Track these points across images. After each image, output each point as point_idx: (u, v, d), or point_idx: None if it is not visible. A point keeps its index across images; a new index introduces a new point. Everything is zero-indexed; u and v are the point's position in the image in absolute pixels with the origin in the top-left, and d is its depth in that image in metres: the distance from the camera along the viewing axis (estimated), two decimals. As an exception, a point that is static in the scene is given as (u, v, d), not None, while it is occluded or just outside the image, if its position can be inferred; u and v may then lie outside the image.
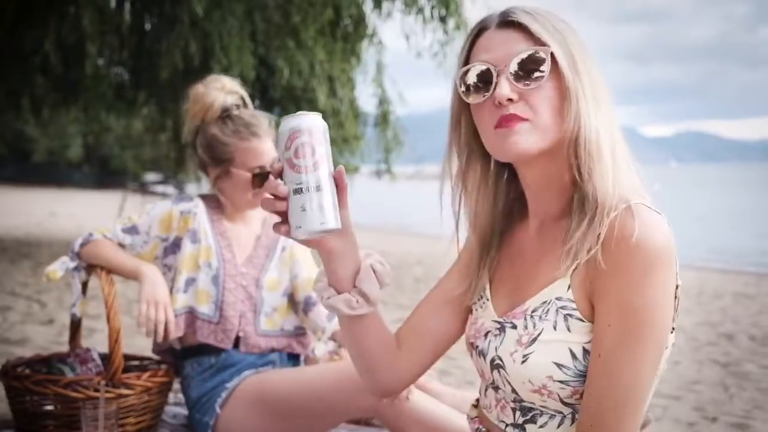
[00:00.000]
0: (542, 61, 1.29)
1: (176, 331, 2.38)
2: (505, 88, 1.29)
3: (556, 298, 1.31)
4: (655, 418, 3.80)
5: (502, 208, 1.50)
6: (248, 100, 2.58)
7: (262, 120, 2.51)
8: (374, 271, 1.43)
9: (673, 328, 1.32)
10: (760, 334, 6.41)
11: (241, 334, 2.43)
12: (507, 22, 1.33)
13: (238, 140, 2.46)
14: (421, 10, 9.28)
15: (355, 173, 13.35)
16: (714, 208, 32.16)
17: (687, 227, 21.36)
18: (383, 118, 10.87)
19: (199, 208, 2.53)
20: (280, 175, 1.30)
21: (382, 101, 10.75)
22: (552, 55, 1.29)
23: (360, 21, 9.68)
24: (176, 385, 2.69)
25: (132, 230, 2.44)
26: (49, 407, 2.16)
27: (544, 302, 1.33)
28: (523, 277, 1.43)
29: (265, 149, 2.48)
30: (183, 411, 2.65)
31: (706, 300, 8.53)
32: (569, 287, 1.31)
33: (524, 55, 1.30)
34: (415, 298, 7.67)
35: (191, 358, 2.45)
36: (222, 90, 2.51)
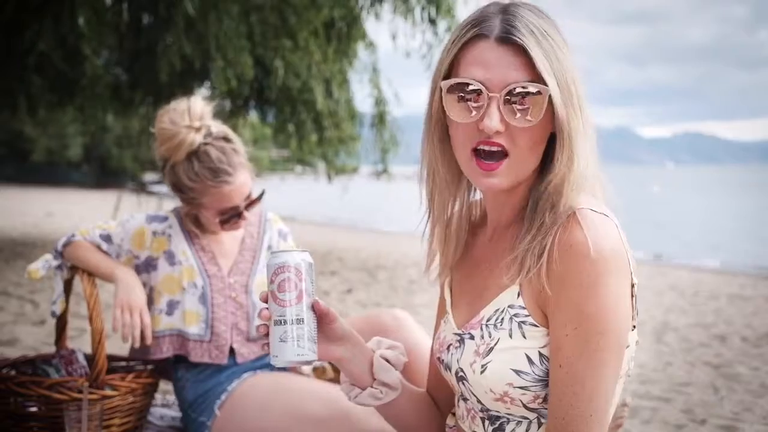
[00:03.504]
0: (538, 101, 1.25)
1: (158, 353, 2.37)
2: (495, 119, 1.25)
3: (509, 306, 1.32)
4: (644, 420, 3.81)
5: (462, 205, 1.50)
6: (217, 128, 2.43)
7: (230, 157, 2.38)
8: (387, 360, 1.48)
9: (634, 326, 1.33)
10: (752, 336, 6.41)
11: (234, 346, 2.42)
12: (509, 39, 1.25)
13: (204, 186, 2.36)
14: (411, 11, 9.28)
15: (353, 174, 13.36)
16: (711, 209, 32.16)
17: (684, 229, 21.37)
18: (379, 119, 10.86)
19: (174, 228, 2.48)
20: (266, 300, 1.34)
21: (378, 102, 10.75)
22: (549, 96, 1.25)
23: (353, 22, 9.68)
24: (163, 386, 2.69)
25: (107, 239, 2.43)
26: (33, 408, 2.16)
27: (497, 310, 1.34)
28: (479, 286, 1.44)
29: (235, 190, 2.38)
30: (170, 412, 2.65)
31: (701, 301, 8.52)
32: (519, 294, 1.31)
33: (521, 91, 1.25)
34: (409, 299, 7.68)
35: (186, 360, 2.43)
36: (190, 127, 2.35)
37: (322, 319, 1.36)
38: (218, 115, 2.52)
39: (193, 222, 2.50)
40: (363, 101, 11.49)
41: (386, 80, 10.82)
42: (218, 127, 2.43)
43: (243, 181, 2.40)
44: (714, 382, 4.76)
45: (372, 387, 1.47)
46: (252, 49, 8.46)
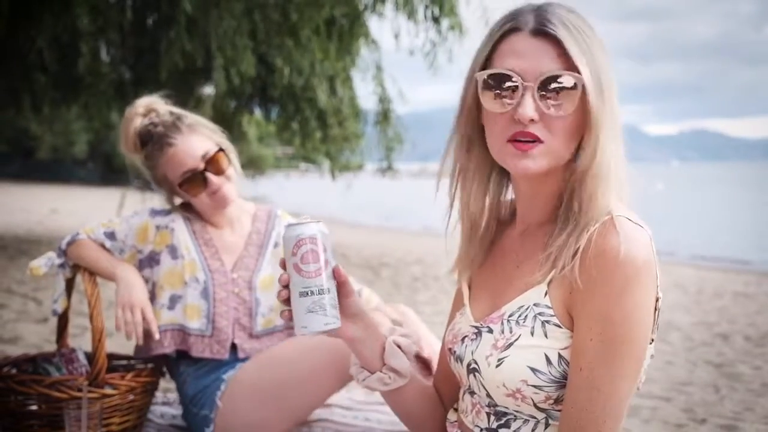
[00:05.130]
0: (573, 90, 1.27)
1: (159, 347, 2.38)
2: (529, 107, 1.27)
3: (534, 304, 1.32)
4: (643, 419, 3.82)
5: (492, 205, 1.50)
6: (164, 108, 2.47)
7: (172, 126, 2.41)
8: (399, 346, 1.47)
9: (652, 340, 1.33)
10: (755, 335, 6.40)
11: (236, 342, 2.42)
12: (543, 31, 1.28)
13: (158, 159, 2.41)
14: (414, 10, 9.29)
15: (359, 171, 13.37)
16: (717, 206, 32.09)
17: (689, 226, 21.32)
18: (384, 116, 10.86)
19: (177, 222, 2.49)
20: (284, 267, 1.36)
21: (382, 99, 10.74)
22: (583, 85, 1.26)
23: (356, 19, 9.68)
24: (164, 385, 2.70)
25: (111, 236, 2.44)
26: (34, 407, 2.17)
27: (521, 307, 1.34)
28: (503, 281, 1.44)
29: (182, 151, 2.39)
30: (171, 410, 2.66)
31: (705, 299, 8.51)
32: (546, 294, 1.32)
33: (555, 79, 1.27)
34: (412, 297, 7.69)
35: (187, 356, 2.44)
36: (135, 114, 2.44)
37: (340, 289, 1.38)
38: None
39: (193, 214, 2.52)
40: (367, 99, 11.51)
41: (390, 78, 10.83)
42: (165, 109, 2.48)
43: (192, 144, 2.40)
44: (715, 381, 4.75)
45: (381, 372, 1.47)
46: (255, 47, 8.47)
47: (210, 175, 2.40)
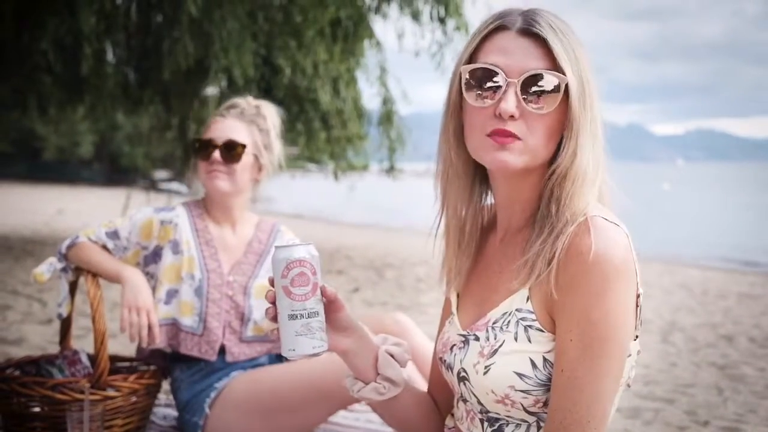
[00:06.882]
0: (555, 90, 1.28)
1: (161, 342, 2.39)
2: (511, 103, 1.28)
3: (516, 310, 1.33)
4: (646, 421, 3.81)
5: (475, 210, 1.50)
6: (267, 109, 2.61)
7: (235, 103, 2.56)
8: (392, 355, 1.47)
9: (637, 336, 1.35)
10: (760, 336, 6.38)
11: (226, 344, 2.44)
12: (530, 31, 1.31)
13: (207, 121, 2.55)
14: (419, 12, 9.28)
15: (364, 171, 13.37)
16: (722, 206, 32.00)
17: (694, 226, 21.28)
18: (386, 117, 10.86)
19: (181, 218, 2.52)
20: (272, 284, 1.35)
21: (386, 100, 10.74)
22: (566, 86, 1.28)
23: (360, 21, 9.68)
24: (166, 386, 2.72)
25: (114, 235, 2.46)
26: (36, 409, 2.19)
27: (505, 313, 1.35)
28: (487, 288, 1.45)
29: (217, 124, 2.50)
30: (173, 412, 2.68)
31: (710, 300, 8.48)
32: (528, 299, 1.32)
33: (539, 77, 1.28)
34: (416, 298, 7.68)
35: (181, 361, 2.46)
36: (242, 96, 2.61)
37: (330, 306, 1.37)
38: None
39: (198, 212, 2.55)
40: (371, 99, 11.50)
41: (394, 79, 10.82)
42: (258, 103, 2.60)
43: (235, 125, 2.50)
44: (719, 383, 4.74)
45: (375, 382, 1.47)
46: (257, 49, 8.48)
47: (216, 153, 2.45)
